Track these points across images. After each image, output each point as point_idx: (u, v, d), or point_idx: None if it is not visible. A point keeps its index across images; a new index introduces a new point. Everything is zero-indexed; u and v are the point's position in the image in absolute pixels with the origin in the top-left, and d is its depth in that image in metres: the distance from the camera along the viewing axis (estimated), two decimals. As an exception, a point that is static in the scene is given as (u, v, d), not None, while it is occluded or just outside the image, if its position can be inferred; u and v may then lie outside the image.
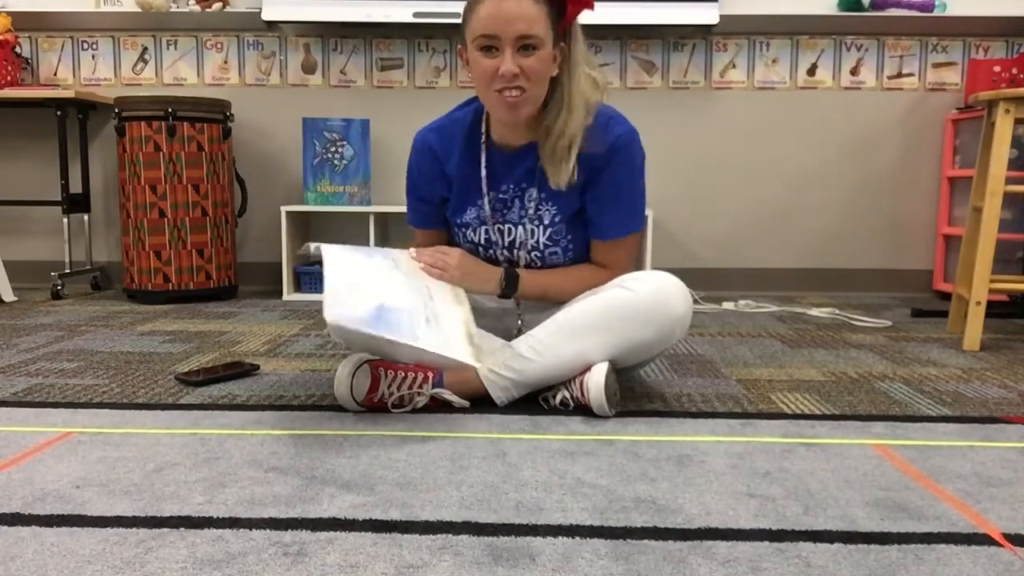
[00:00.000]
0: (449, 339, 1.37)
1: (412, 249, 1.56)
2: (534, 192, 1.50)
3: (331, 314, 1.26)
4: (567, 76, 1.42)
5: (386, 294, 1.35)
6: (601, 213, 1.50)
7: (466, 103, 1.57)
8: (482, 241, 1.56)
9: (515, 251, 1.56)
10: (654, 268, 2.15)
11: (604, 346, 1.42)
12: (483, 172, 1.50)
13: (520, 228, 1.53)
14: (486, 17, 1.34)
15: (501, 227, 1.54)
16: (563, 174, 1.43)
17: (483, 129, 1.51)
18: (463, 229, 1.57)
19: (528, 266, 1.57)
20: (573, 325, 1.44)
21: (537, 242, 1.53)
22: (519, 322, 1.61)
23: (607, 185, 1.48)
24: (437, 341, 1.35)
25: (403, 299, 1.37)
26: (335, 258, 1.39)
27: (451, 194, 1.56)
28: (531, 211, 1.51)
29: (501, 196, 1.52)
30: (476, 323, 1.45)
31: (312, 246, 1.44)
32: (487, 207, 1.53)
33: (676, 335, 1.45)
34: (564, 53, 1.42)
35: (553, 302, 1.53)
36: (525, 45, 1.35)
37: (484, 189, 1.51)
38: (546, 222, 1.51)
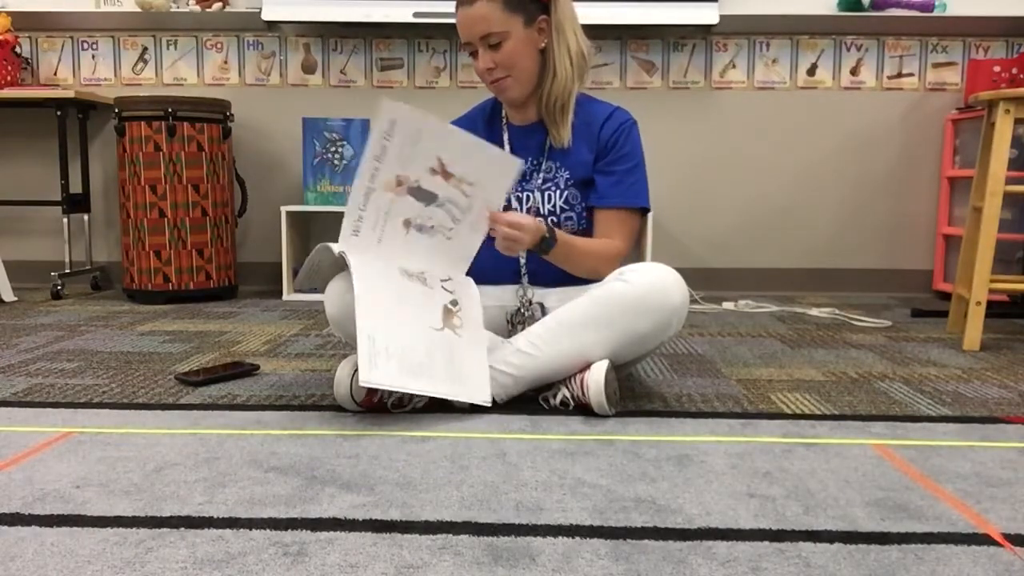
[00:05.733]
0: (467, 380, 1.43)
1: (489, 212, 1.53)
2: (547, 162, 1.61)
3: (367, 379, 1.31)
4: (552, 43, 1.55)
5: (410, 344, 1.39)
6: (606, 183, 1.59)
7: (489, 98, 1.72)
8: (500, 209, 1.59)
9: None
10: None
11: (603, 339, 1.43)
12: (507, 148, 1.63)
13: (538, 194, 1.61)
14: (458, 28, 1.52)
15: (520, 195, 1.62)
16: (564, 133, 1.58)
17: (503, 114, 1.67)
18: None
19: None
20: (572, 319, 1.44)
21: (554, 206, 1.60)
22: (524, 291, 1.62)
23: (614, 161, 1.59)
24: (453, 389, 1.41)
25: (425, 347, 1.41)
26: (364, 299, 1.37)
27: None
28: (547, 177, 1.61)
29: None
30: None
31: (343, 257, 1.41)
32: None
33: (673, 326, 1.46)
34: (549, 24, 1.54)
35: (573, 266, 1.55)
36: (491, 42, 1.50)
37: None
38: (561, 186, 1.60)
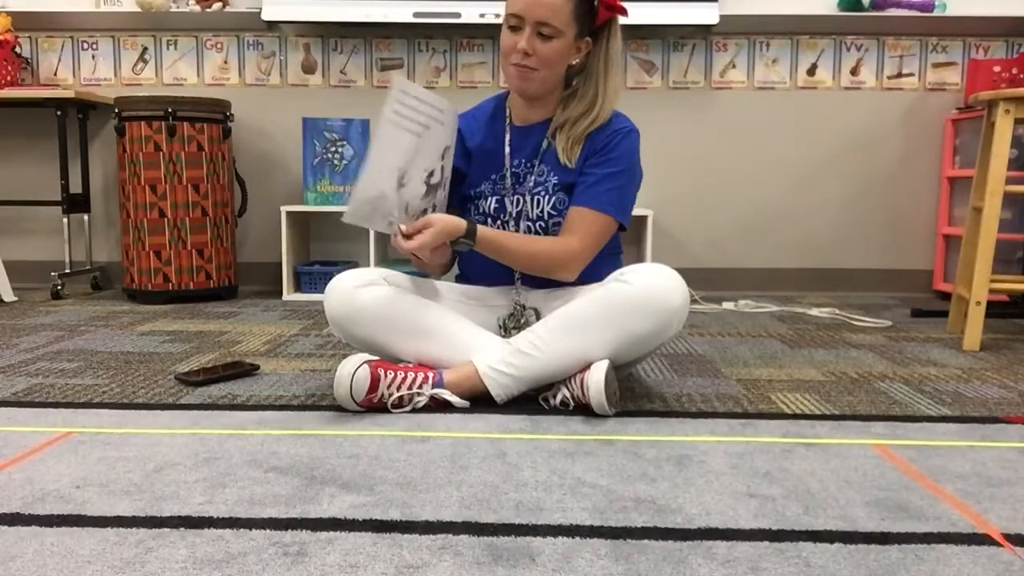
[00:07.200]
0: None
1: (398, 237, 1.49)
2: (540, 164, 1.59)
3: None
4: (603, 69, 1.55)
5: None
6: (586, 184, 1.56)
7: (493, 96, 1.70)
8: (491, 211, 1.61)
9: (522, 221, 1.60)
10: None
11: (604, 340, 1.43)
12: (507, 149, 1.61)
13: (528, 197, 1.59)
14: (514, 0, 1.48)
15: (512, 198, 1.60)
16: (575, 153, 1.56)
17: (506, 114, 1.64)
18: (476, 200, 1.63)
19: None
20: (573, 320, 1.44)
21: (542, 211, 1.58)
22: (518, 296, 1.62)
23: (596, 164, 1.56)
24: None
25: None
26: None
27: (469, 168, 1.64)
28: (538, 180, 1.59)
29: (515, 171, 1.61)
30: (473, 305, 1.63)
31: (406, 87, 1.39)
32: (508, 179, 1.60)
33: (674, 326, 1.46)
34: (592, 47, 1.54)
35: (514, 263, 1.55)
36: (543, 32, 1.46)
37: (507, 164, 1.61)
38: (550, 190, 1.58)
